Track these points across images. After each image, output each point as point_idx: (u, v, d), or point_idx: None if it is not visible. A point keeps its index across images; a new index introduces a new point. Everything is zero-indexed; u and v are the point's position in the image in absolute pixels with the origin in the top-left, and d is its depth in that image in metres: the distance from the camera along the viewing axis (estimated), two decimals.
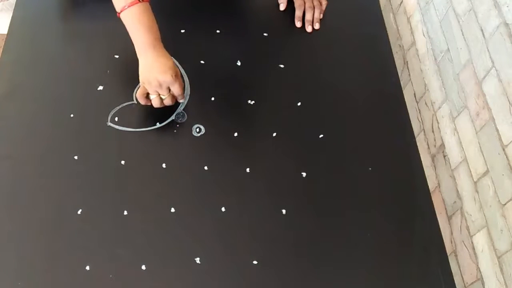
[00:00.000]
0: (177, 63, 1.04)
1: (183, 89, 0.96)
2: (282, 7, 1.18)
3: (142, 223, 0.88)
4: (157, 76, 0.90)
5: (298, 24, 1.16)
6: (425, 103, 1.17)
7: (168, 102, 0.95)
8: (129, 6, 0.90)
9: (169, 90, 0.93)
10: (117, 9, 0.91)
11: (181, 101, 0.97)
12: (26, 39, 1.08)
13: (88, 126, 0.97)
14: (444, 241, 0.94)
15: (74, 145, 0.94)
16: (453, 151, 1.05)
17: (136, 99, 0.96)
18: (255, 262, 0.86)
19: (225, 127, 1.00)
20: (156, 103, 0.94)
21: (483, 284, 0.92)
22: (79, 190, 0.90)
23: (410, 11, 1.26)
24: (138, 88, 0.96)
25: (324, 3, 1.19)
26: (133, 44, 0.92)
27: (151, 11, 0.92)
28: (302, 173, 0.96)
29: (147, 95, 0.95)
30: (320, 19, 1.17)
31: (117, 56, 1.04)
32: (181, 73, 1.03)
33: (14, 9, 1.10)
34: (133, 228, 0.87)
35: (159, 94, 0.93)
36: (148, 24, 0.91)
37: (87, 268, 0.83)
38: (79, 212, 0.88)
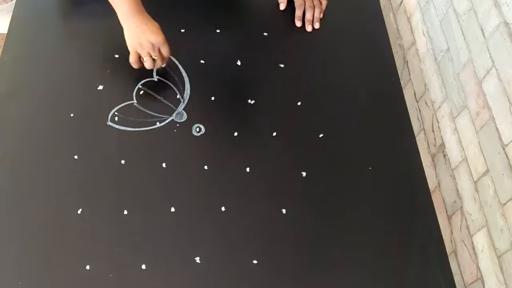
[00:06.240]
0: (176, 62, 1.04)
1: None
2: (282, 6, 1.18)
3: (142, 223, 0.88)
4: (149, 38, 0.93)
5: (298, 23, 1.16)
6: (425, 102, 1.17)
7: (159, 64, 0.98)
8: None
9: (159, 51, 0.96)
10: None
11: (162, 65, 1.00)
12: (26, 39, 1.08)
13: (88, 126, 0.97)
14: (444, 240, 0.94)
15: (74, 145, 0.94)
16: (453, 150, 1.05)
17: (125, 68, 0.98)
18: (255, 262, 0.87)
19: (225, 126, 1.00)
20: (149, 65, 0.97)
21: (483, 283, 0.92)
22: (79, 190, 0.90)
23: (410, 10, 1.26)
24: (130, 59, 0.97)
25: (324, 2, 1.19)
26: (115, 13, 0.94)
27: None
28: (302, 173, 0.96)
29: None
30: (320, 19, 1.17)
31: (117, 56, 1.04)
32: (181, 73, 1.04)
33: (14, 9, 1.10)
34: (133, 228, 0.87)
35: (151, 56, 0.96)
36: None
37: (87, 268, 0.83)
38: (79, 212, 0.88)
